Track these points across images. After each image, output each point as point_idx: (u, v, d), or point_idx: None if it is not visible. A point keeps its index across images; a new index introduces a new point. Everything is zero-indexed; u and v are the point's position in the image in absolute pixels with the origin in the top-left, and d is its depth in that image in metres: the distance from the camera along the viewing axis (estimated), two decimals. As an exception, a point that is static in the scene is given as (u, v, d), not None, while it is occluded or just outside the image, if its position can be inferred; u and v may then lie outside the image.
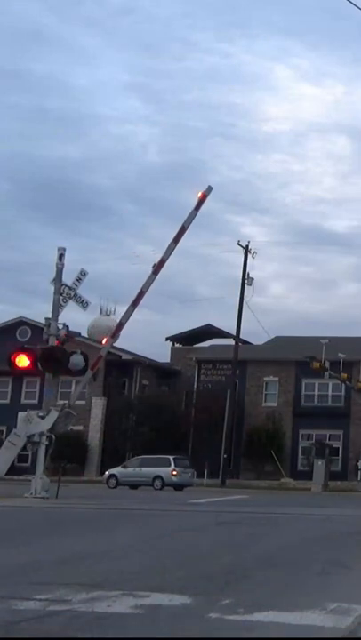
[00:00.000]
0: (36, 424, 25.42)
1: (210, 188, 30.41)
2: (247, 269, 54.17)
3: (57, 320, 26.69)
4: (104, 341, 30.98)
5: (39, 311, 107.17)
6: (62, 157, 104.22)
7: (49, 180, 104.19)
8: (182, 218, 29.91)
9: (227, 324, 73.82)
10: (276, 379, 61.57)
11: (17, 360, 25.37)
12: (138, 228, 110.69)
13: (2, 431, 53.40)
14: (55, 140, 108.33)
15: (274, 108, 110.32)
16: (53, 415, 25.59)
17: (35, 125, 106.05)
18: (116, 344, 64.00)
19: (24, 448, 25.83)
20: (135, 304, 29.26)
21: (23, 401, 57.39)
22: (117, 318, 67.89)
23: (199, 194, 30.19)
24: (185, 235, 29.56)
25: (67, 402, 27.40)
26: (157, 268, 29.14)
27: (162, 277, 29.60)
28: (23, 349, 26.56)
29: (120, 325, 30.10)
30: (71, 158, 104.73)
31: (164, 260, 29.22)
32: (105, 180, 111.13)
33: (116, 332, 30.47)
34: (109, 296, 75.46)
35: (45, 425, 25.43)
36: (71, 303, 27.60)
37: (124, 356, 61.14)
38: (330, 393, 60.52)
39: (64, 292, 27.28)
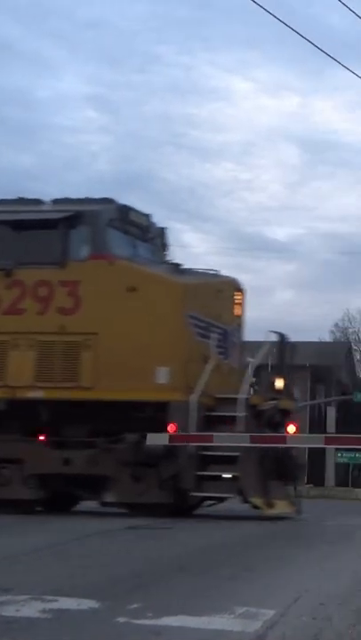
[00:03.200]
0: None
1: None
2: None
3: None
4: None
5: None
6: (15, 166, 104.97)
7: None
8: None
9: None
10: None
11: None
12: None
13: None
14: (10, 149, 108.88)
15: (229, 119, 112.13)
16: None
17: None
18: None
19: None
20: None
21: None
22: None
23: None
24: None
25: None
26: None
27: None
28: None
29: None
30: (23, 166, 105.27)
31: None
32: (52, 188, 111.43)
33: None
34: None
35: None
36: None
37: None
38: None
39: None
